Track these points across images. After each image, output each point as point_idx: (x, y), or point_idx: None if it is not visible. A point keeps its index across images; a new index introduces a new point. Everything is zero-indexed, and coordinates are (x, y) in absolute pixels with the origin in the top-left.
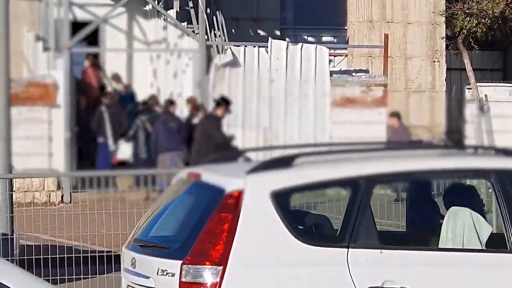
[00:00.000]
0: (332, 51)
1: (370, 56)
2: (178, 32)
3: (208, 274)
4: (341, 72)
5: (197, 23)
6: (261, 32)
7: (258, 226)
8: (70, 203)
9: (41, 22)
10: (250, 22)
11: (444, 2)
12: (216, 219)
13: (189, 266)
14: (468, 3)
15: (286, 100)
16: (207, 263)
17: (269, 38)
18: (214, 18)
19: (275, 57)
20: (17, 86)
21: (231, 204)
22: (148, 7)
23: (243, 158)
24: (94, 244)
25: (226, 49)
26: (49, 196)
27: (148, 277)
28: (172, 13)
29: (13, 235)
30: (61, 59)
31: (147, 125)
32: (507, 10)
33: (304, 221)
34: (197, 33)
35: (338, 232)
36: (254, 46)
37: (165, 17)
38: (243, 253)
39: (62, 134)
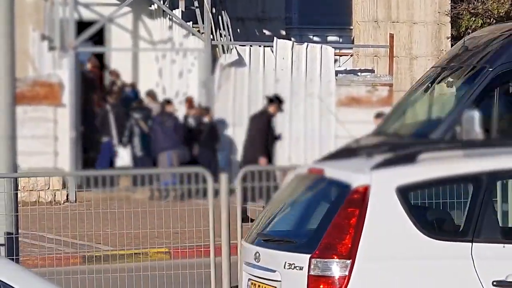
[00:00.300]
0: (337, 51)
1: (375, 56)
2: (184, 31)
3: (336, 268)
4: (347, 71)
5: (203, 23)
6: (267, 32)
7: (385, 221)
8: (75, 202)
9: (47, 21)
10: (255, 21)
11: (450, 2)
12: (343, 214)
13: (318, 259)
14: (474, 3)
15: (292, 99)
16: (335, 257)
17: (275, 38)
18: (220, 17)
19: (280, 56)
20: (23, 85)
21: (357, 199)
22: (154, 7)
23: (365, 154)
24: (99, 243)
25: (231, 49)
26: (54, 195)
27: (274, 271)
28: (177, 12)
29: (18, 234)
30: (67, 59)
31: (141, 123)
32: None
33: (427, 215)
34: (202, 33)
35: (462, 226)
36: (260, 46)
37: (171, 17)
38: (370, 247)
39: (68, 133)
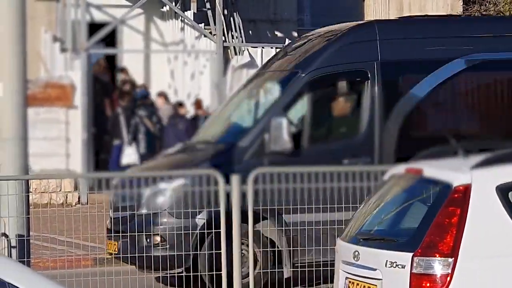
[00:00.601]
0: None
1: None
2: (196, 33)
3: (439, 266)
4: None
5: (215, 24)
6: (279, 34)
7: (486, 219)
8: (87, 204)
9: (59, 23)
10: (267, 23)
11: (461, 4)
12: (445, 213)
13: (420, 258)
14: (485, 5)
15: None
16: (438, 256)
17: (286, 40)
18: (232, 19)
19: None
20: (34, 87)
21: (459, 199)
22: (166, 9)
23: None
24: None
25: (243, 51)
26: (66, 197)
27: (374, 269)
28: (189, 14)
29: (29, 236)
30: (79, 60)
31: (145, 120)
32: None
33: None
34: (214, 35)
35: None
36: (272, 48)
37: (182, 19)
38: (472, 245)
39: (80, 135)
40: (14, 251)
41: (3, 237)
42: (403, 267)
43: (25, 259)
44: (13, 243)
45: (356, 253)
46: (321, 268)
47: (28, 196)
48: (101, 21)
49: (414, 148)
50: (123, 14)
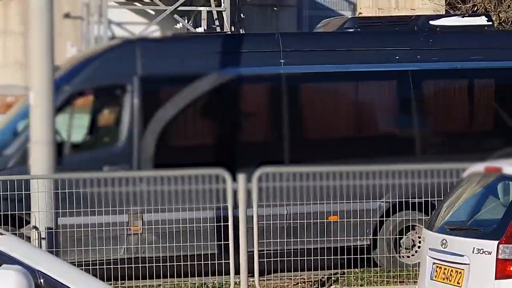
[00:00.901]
0: None
1: None
2: None
3: None
4: None
5: None
6: None
7: None
8: None
9: (83, 38)
10: None
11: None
12: None
13: (505, 245)
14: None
15: None
16: None
17: None
18: None
19: None
20: None
21: None
22: (179, 25)
23: None
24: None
25: None
26: None
27: (462, 255)
28: (200, 30)
29: (57, 229)
30: None
31: None
32: None
33: None
34: None
35: None
36: None
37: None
38: None
39: None
40: (44, 242)
41: (34, 230)
42: (489, 253)
43: (54, 249)
44: (43, 235)
45: (444, 241)
46: (90, 267)
47: (56, 193)
48: (121, 36)
49: (170, 156)
50: (140, 30)
